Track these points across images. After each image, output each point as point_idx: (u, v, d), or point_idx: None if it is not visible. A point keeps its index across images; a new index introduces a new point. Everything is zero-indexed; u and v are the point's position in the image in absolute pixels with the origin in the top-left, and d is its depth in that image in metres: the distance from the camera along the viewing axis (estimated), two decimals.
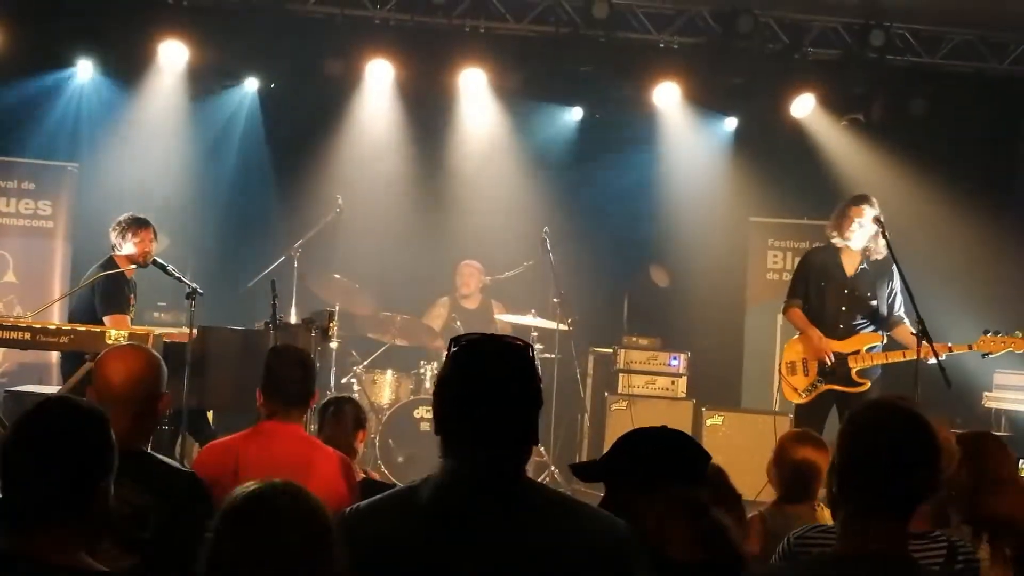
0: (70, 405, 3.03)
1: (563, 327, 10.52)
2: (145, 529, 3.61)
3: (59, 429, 2.92)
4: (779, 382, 8.87)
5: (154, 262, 8.58)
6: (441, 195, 11.94)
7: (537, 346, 10.38)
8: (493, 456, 2.79)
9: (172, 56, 10.87)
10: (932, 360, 7.44)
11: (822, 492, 4.70)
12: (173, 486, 3.86)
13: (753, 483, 6.23)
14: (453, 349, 2.89)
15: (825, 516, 4.92)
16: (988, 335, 8.06)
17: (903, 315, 8.34)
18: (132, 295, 8.60)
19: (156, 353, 4.09)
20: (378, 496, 2.93)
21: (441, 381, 2.89)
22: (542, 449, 10.34)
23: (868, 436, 3.03)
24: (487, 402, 2.80)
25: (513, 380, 2.84)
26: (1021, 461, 5.01)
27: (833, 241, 8.49)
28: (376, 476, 8.30)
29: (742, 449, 9.49)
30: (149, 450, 4.08)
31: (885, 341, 8.41)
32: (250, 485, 2.70)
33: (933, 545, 3.57)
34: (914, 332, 7.61)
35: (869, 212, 8.26)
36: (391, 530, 2.76)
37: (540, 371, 2.93)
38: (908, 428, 3.02)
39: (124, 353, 4.06)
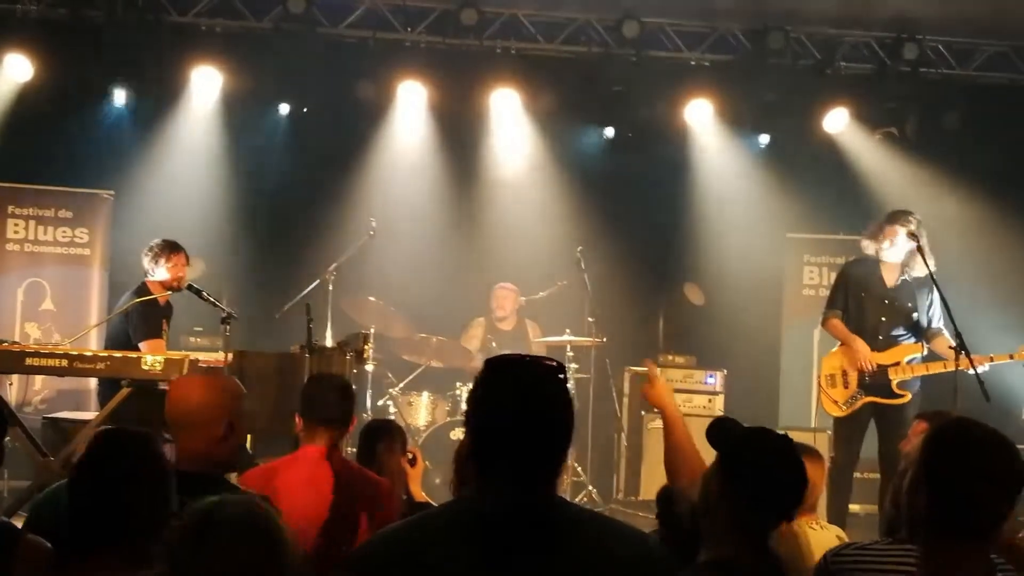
0: (126, 439, 3.16)
1: (598, 345, 10.52)
2: None
3: (120, 464, 3.12)
4: (819, 395, 8.82)
5: (189, 287, 8.62)
6: (475, 216, 11.94)
7: (572, 365, 10.39)
8: (527, 478, 2.75)
9: (206, 82, 10.97)
10: (972, 371, 7.41)
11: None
12: None
13: None
14: (485, 371, 2.85)
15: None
16: None
17: (942, 326, 8.29)
18: (165, 320, 8.63)
19: (228, 379, 4.10)
20: (407, 520, 2.92)
21: (473, 404, 2.85)
22: (579, 469, 10.33)
23: (964, 461, 2.98)
24: (520, 424, 2.75)
25: (545, 402, 2.79)
26: None
27: (868, 252, 8.47)
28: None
29: None
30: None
31: (925, 352, 8.36)
32: (204, 501, 2.75)
33: None
34: (952, 345, 7.58)
35: (902, 231, 8.23)
36: (423, 554, 2.74)
37: (573, 391, 2.92)
38: (1002, 454, 2.99)
39: (190, 380, 4.11)
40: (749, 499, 3.33)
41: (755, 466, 3.37)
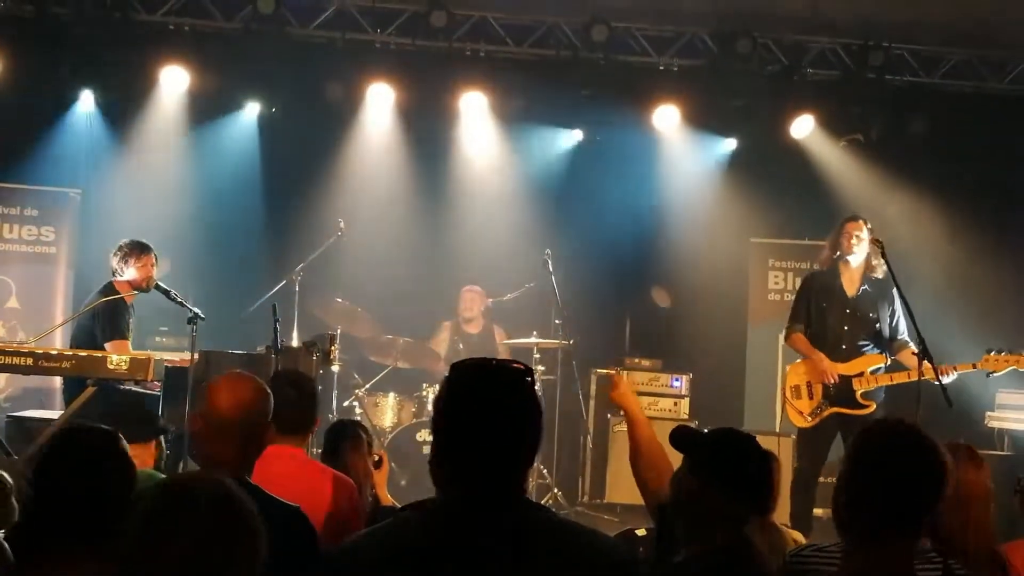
0: (91, 436, 3.12)
1: (565, 348, 10.53)
2: None
3: (85, 460, 3.04)
4: (783, 406, 8.84)
5: (156, 287, 8.60)
6: (442, 218, 11.94)
7: (539, 368, 10.39)
8: (490, 482, 2.75)
9: (173, 82, 10.92)
10: (936, 380, 7.46)
11: None
12: (278, 520, 3.76)
13: None
14: (451, 376, 2.84)
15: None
16: (991, 354, 8.08)
17: (906, 338, 8.33)
18: (131, 320, 8.61)
19: (262, 381, 4.04)
20: (376, 526, 2.92)
21: (438, 407, 2.84)
22: (544, 471, 10.34)
23: (874, 457, 3.07)
24: (485, 427, 2.75)
25: (511, 405, 2.78)
26: None
27: (834, 259, 8.50)
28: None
29: None
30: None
31: (889, 362, 8.40)
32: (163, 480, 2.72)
33: (928, 565, 3.56)
34: (915, 352, 7.62)
35: (865, 227, 8.30)
36: (389, 560, 2.74)
37: (541, 395, 2.91)
38: (913, 448, 3.05)
39: (232, 380, 4.00)
40: (727, 496, 3.42)
41: (729, 465, 3.47)
